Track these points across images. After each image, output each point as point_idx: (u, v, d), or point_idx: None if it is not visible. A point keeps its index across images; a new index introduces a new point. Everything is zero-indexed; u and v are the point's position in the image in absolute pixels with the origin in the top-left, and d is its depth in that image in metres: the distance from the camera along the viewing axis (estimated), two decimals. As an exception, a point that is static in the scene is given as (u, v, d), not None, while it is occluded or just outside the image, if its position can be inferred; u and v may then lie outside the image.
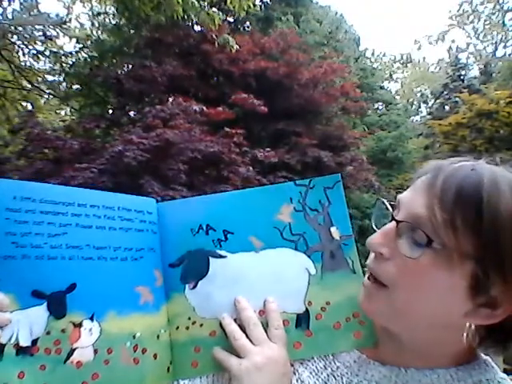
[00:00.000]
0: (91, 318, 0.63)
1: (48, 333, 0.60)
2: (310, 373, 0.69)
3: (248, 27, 13.27)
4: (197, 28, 11.05)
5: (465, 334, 0.59)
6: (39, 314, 0.60)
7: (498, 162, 0.60)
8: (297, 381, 0.68)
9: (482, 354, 0.66)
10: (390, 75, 30.92)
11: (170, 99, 8.67)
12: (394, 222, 0.61)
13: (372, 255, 0.64)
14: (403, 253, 0.58)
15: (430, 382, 0.63)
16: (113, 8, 10.06)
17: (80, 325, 0.62)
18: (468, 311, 0.58)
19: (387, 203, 0.66)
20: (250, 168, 8.78)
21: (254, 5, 6.60)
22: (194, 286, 0.72)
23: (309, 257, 0.73)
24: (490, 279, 0.54)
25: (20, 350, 0.58)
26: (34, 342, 0.59)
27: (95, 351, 0.62)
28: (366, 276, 0.66)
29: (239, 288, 0.71)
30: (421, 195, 0.59)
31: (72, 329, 0.61)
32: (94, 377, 0.61)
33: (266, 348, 0.65)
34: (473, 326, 0.60)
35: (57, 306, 0.61)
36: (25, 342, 0.58)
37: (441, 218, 0.55)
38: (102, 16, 11.27)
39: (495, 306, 0.56)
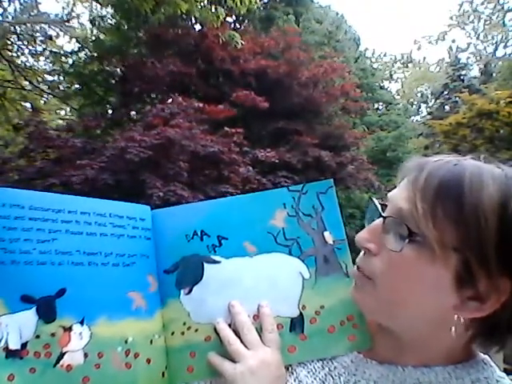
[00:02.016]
0: (81, 323, 0.63)
1: (37, 337, 0.60)
2: (308, 372, 0.69)
3: (249, 26, 13.24)
4: (197, 27, 11.05)
5: (453, 329, 0.58)
6: (28, 318, 0.60)
7: (487, 160, 0.59)
8: (294, 380, 0.68)
9: (480, 353, 0.66)
10: (390, 75, 30.91)
11: (170, 100, 8.66)
12: (381, 219, 0.62)
13: (361, 252, 0.65)
14: (388, 247, 0.59)
15: (428, 380, 0.62)
16: (113, 7, 10.04)
17: (70, 329, 0.62)
18: (456, 304, 0.57)
19: (376, 202, 0.66)
20: (250, 168, 8.78)
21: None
22: (189, 292, 0.72)
23: (303, 261, 0.73)
24: (474, 271, 0.54)
25: (9, 353, 0.59)
26: (24, 345, 0.59)
27: (85, 355, 0.62)
28: (355, 267, 0.66)
29: (233, 293, 0.71)
30: (405, 190, 0.60)
31: (62, 333, 0.62)
32: (84, 380, 0.62)
33: (259, 352, 0.65)
34: (462, 320, 0.58)
35: (46, 311, 0.61)
36: (14, 346, 0.59)
37: (421, 210, 0.55)
38: (102, 15, 11.26)
39: (483, 299, 0.56)
